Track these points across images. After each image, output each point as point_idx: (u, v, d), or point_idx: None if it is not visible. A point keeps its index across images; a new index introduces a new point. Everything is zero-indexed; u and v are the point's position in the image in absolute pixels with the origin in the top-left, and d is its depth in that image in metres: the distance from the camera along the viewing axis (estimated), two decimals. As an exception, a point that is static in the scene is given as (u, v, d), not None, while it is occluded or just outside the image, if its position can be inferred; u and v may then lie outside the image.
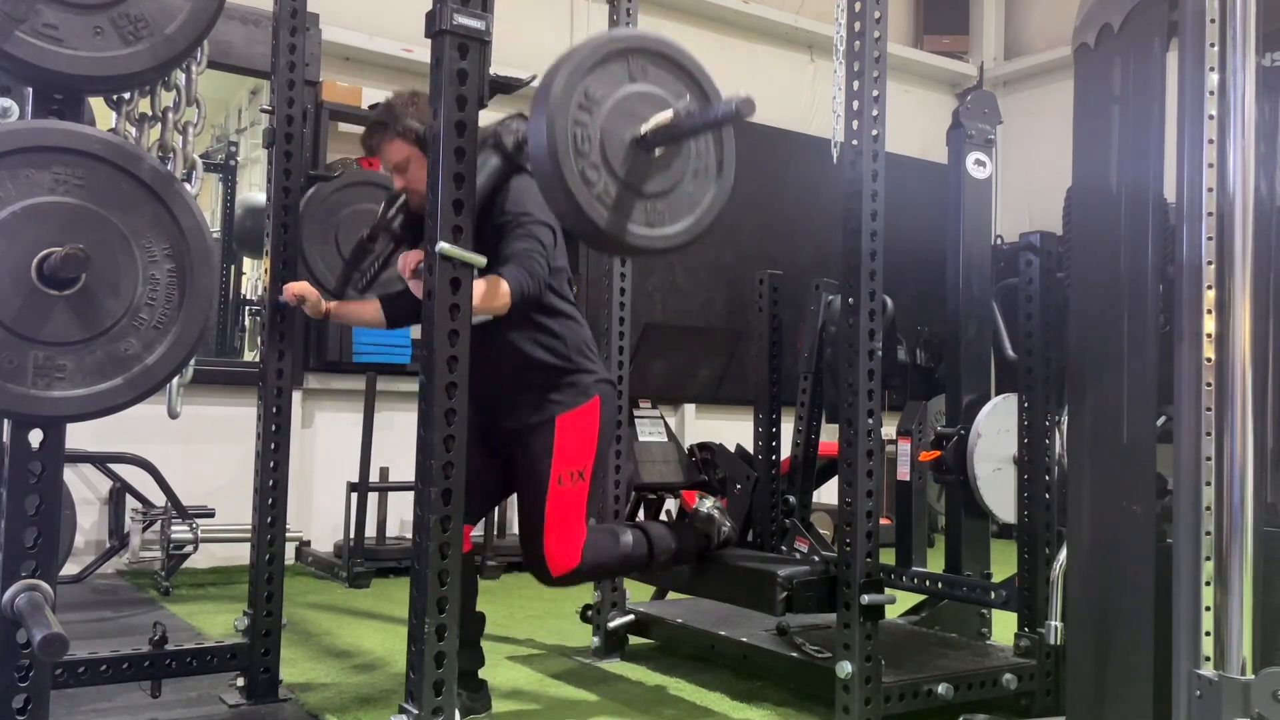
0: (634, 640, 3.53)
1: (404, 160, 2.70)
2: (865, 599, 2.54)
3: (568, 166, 1.99)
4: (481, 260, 2.06)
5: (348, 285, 2.99)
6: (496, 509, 5.19)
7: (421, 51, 4.50)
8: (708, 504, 3.06)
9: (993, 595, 3.09)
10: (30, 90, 1.77)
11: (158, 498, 4.46)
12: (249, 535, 2.90)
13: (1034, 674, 2.89)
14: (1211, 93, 1.90)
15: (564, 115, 1.99)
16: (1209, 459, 1.86)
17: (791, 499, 3.56)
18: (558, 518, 2.63)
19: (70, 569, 4.40)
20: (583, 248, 6.00)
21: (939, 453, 3.31)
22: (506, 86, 2.11)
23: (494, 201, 2.58)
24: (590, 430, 2.69)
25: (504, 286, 2.46)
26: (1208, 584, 1.84)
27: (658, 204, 2.13)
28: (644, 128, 2.09)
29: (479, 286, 2.28)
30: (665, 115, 2.09)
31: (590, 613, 3.51)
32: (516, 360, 2.65)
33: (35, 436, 1.74)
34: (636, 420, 3.67)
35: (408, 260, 2.47)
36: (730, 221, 6.59)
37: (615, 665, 3.37)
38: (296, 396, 3.02)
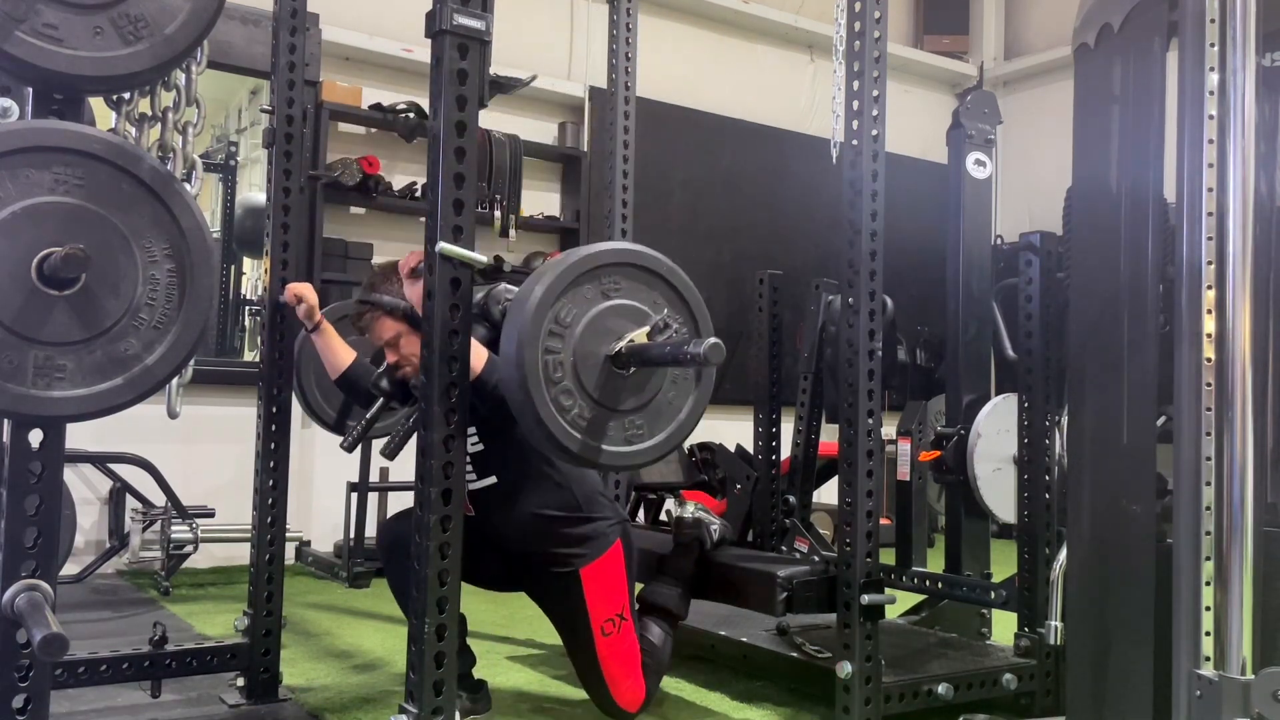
0: (634, 640, 3.52)
1: (394, 337, 2.71)
2: (865, 599, 2.54)
3: (539, 396, 1.95)
4: (482, 259, 2.06)
5: (347, 419, 3.02)
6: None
7: (421, 51, 4.50)
8: (689, 509, 3.07)
9: (993, 595, 3.09)
10: (30, 90, 1.77)
11: (158, 498, 4.46)
12: (249, 535, 2.90)
13: (1034, 674, 2.89)
14: (1211, 93, 1.90)
15: (534, 345, 1.95)
16: (1209, 459, 1.86)
17: (791, 499, 3.56)
18: (615, 665, 2.67)
19: (70, 569, 4.40)
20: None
21: (939, 453, 3.31)
22: (506, 86, 2.11)
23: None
24: (618, 576, 2.70)
25: (481, 357, 2.37)
26: (1208, 584, 1.84)
27: (635, 419, 2.08)
28: (617, 345, 2.04)
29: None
30: (641, 333, 2.05)
31: (590, 613, 3.51)
32: (531, 518, 2.65)
33: (35, 436, 1.74)
34: (636, 421, 3.66)
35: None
36: (730, 221, 6.62)
37: (615, 665, 3.37)
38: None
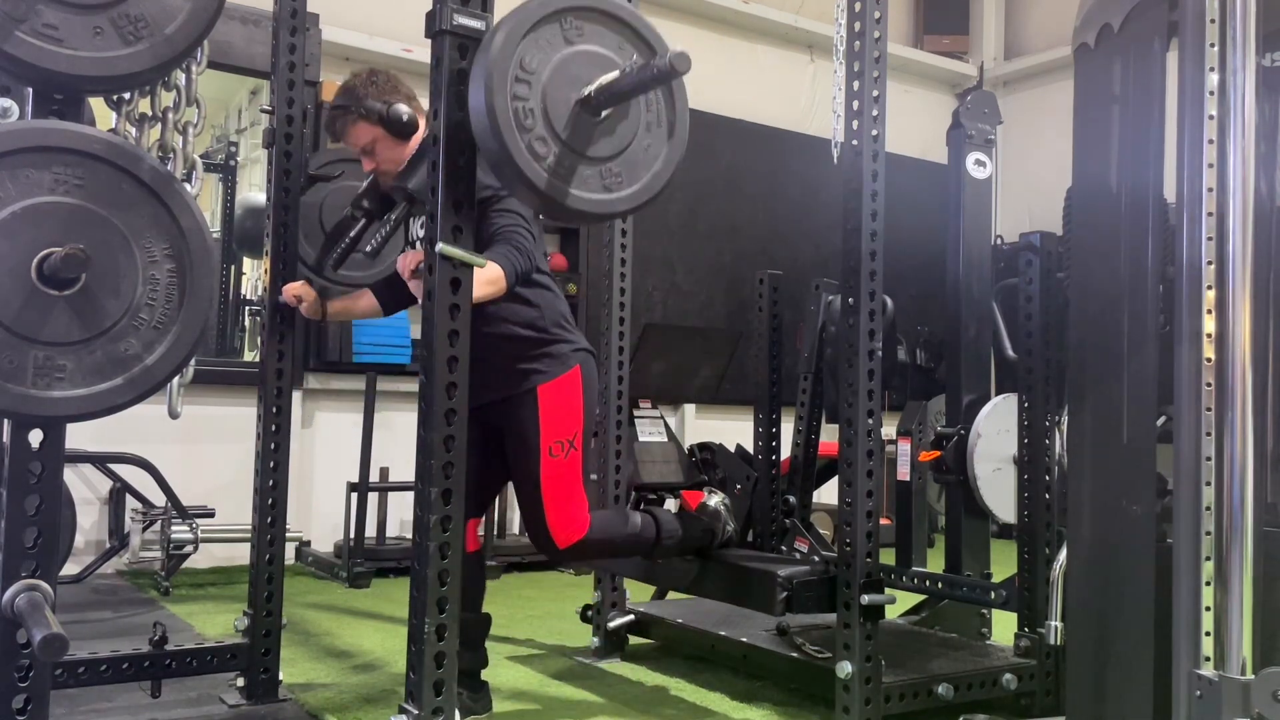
0: (634, 640, 3.53)
1: (370, 143, 2.70)
2: (865, 599, 2.54)
3: (513, 143, 1.94)
4: (483, 261, 2.06)
5: (326, 260, 3.00)
6: (496, 509, 5.19)
7: (421, 51, 4.50)
8: (716, 499, 3.08)
9: (993, 595, 3.09)
10: (30, 90, 1.77)
11: (158, 498, 4.46)
12: (249, 535, 2.90)
13: (1034, 674, 2.89)
14: (1211, 93, 1.90)
15: (503, 91, 1.93)
16: (1209, 459, 1.86)
17: (791, 499, 3.56)
18: (555, 489, 2.64)
19: (70, 569, 4.40)
20: (580, 250, 6.01)
21: (939, 453, 3.31)
22: (506, 85, 2.11)
23: None
24: (574, 398, 2.69)
25: (497, 270, 2.41)
26: (1208, 584, 1.84)
27: (613, 166, 2.07)
28: (587, 89, 2.02)
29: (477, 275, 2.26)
30: (610, 77, 2.02)
31: (590, 613, 3.51)
32: (494, 333, 2.62)
33: (35, 436, 1.74)
34: (636, 420, 3.66)
35: (407, 261, 2.47)
36: (730, 221, 6.62)
37: (615, 665, 3.37)
38: (296, 396, 3.02)
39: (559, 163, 1.99)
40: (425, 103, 2.22)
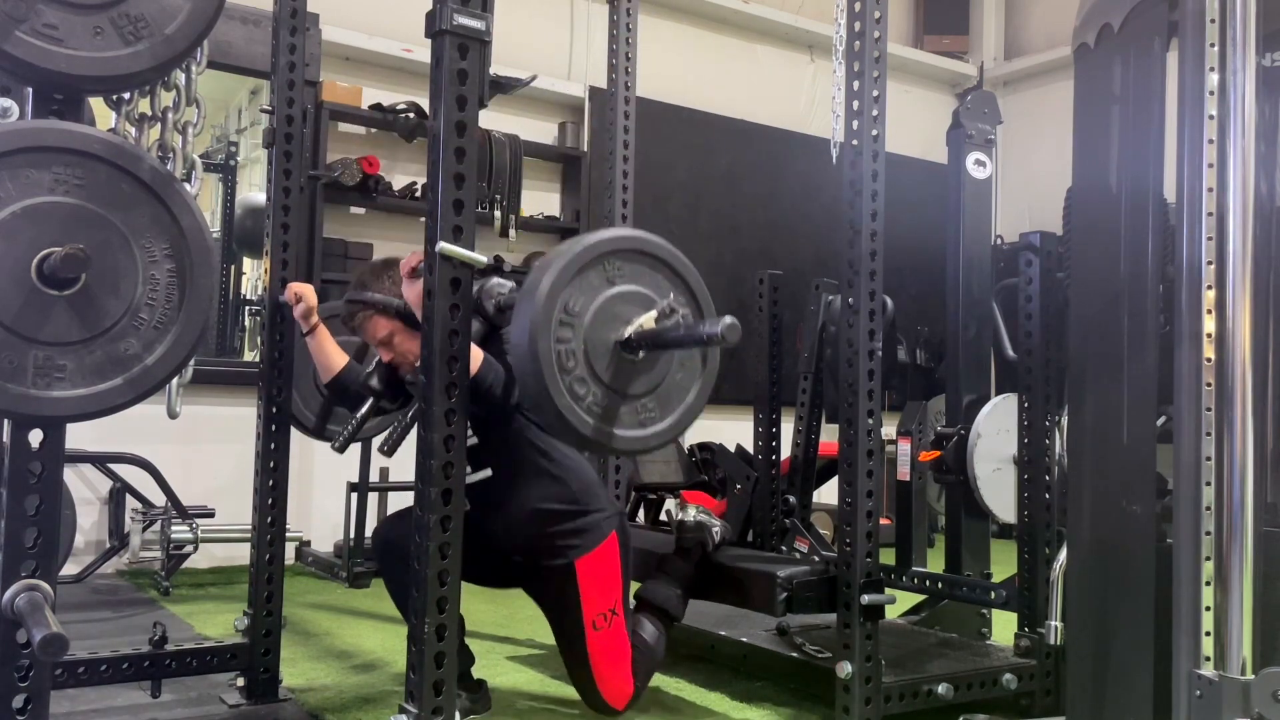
0: (634, 640, 3.52)
1: (388, 335, 2.70)
2: (865, 599, 2.54)
3: (554, 386, 1.97)
4: (482, 259, 2.06)
5: (327, 423, 2.99)
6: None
7: (421, 51, 4.51)
8: (691, 512, 3.07)
9: (993, 595, 3.09)
10: (30, 90, 1.77)
11: (158, 498, 4.46)
12: (249, 535, 2.90)
13: (1034, 674, 2.89)
14: (1211, 93, 1.90)
15: (546, 335, 1.96)
16: (1209, 459, 1.86)
17: (791, 499, 3.56)
18: (603, 660, 2.66)
19: (70, 569, 4.40)
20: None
21: (939, 453, 3.31)
22: (506, 86, 2.11)
23: None
24: (613, 569, 2.70)
25: (479, 354, 2.40)
26: (1208, 584, 1.84)
27: (648, 402, 2.11)
28: (627, 331, 2.05)
29: None
30: (649, 318, 2.06)
31: (590, 613, 3.51)
32: (527, 510, 2.65)
33: (35, 436, 1.74)
34: (637, 420, 3.66)
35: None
36: (730, 221, 6.62)
37: (615, 665, 3.37)
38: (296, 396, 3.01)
39: (597, 403, 2.04)
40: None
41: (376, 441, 4.68)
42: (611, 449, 2.09)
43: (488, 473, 2.65)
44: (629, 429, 2.08)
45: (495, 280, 2.56)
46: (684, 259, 2.17)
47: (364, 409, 2.80)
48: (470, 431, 2.60)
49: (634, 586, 2.97)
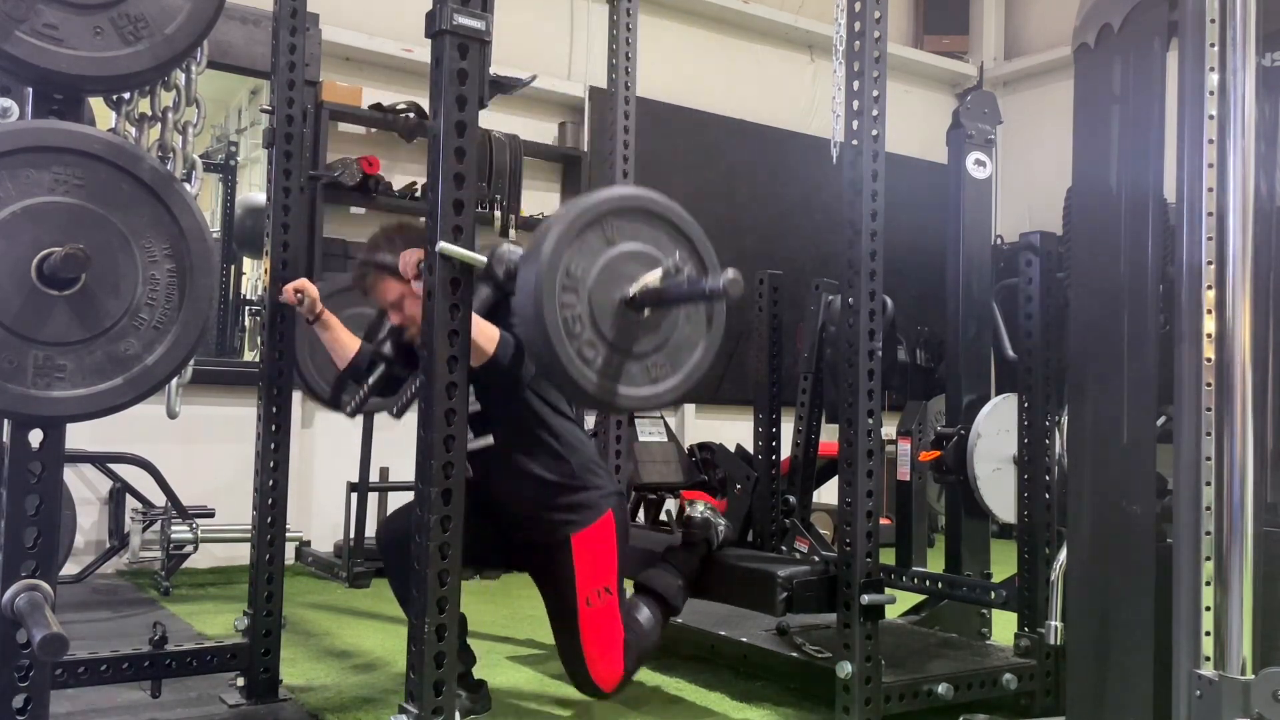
0: (634, 640, 3.52)
1: (398, 298, 2.68)
2: (865, 599, 2.54)
3: (563, 351, 1.98)
4: (482, 260, 2.06)
5: (342, 394, 2.99)
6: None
7: (421, 51, 4.50)
8: (699, 508, 3.07)
9: (993, 595, 3.09)
10: (30, 90, 1.77)
11: (158, 498, 4.46)
12: (249, 535, 2.90)
13: (1034, 674, 2.89)
14: (1211, 93, 1.90)
15: (551, 301, 1.97)
16: (1209, 459, 1.85)
17: (791, 499, 3.56)
18: (594, 638, 2.65)
19: (70, 569, 4.40)
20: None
21: (939, 453, 3.31)
22: (506, 86, 2.11)
23: None
24: (609, 545, 2.68)
25: (495, 332, 2.41)
26: (1208, 584, 1.84)
27: (658, 359, 2.12)
28: (632, 289, 2.06)
29: (477, 323, 2.24)
30: (653, 276, 2.07)
31: (590, 613, 3.50)
32: (525, 482, 2.64)
33: (35, 436, 1.74)
34: (636, 420, 3.67)
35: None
36: (730, 221, 6.61)
37: (615, 665, 3.37)
38: (296, 396, 3.01)
39: (607, 363, 2.05)
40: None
41: (378, 443, 4.69)
42: (624, 407, 2.13)
43: (489, 440, 2.63)
44: (641, 386, 2.09)
45: (506, 246, 2.55)
46: (684, 214, 2.17)
47: (375, 375, 2.78)
48: (473, 398, 2.59)
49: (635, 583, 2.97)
